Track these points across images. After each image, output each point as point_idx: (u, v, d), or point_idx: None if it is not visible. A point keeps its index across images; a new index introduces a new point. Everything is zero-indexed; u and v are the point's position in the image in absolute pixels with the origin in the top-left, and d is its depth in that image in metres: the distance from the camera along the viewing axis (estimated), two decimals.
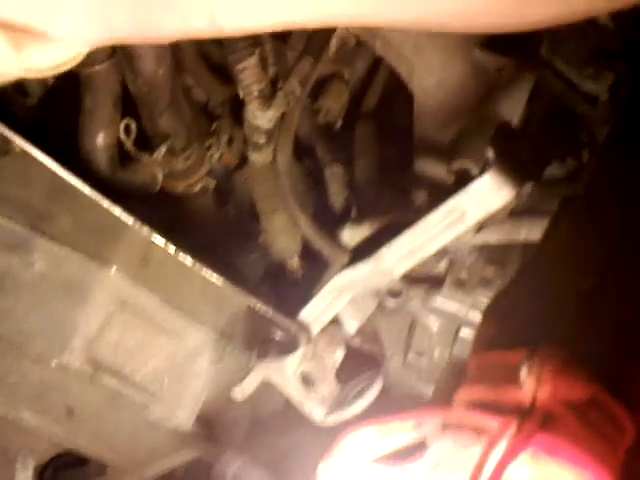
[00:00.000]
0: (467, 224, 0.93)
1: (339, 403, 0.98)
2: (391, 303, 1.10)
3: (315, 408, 0.97)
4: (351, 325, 1.01)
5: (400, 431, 0.66)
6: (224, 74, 1.06)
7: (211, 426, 1.10)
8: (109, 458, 1.09)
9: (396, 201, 1.02)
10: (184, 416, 1.04)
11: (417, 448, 0.64)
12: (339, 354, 1.03)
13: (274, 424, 1.08)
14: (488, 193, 0.90)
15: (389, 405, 1.16)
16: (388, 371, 1.17)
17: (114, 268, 0.99)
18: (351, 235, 1.00)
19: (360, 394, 0.99)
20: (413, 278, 1.09)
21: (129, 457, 1.09)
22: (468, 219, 0.92)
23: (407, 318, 1.14)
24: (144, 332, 1.02)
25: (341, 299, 0.99)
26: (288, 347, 1.00)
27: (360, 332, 1.17)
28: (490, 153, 0.89)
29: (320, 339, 1.01)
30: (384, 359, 1.17)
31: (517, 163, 0.90)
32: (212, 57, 1.06)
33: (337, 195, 1.07)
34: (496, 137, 0.91)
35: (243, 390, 1.04)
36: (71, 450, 1.08)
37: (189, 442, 1.10)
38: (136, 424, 1.04)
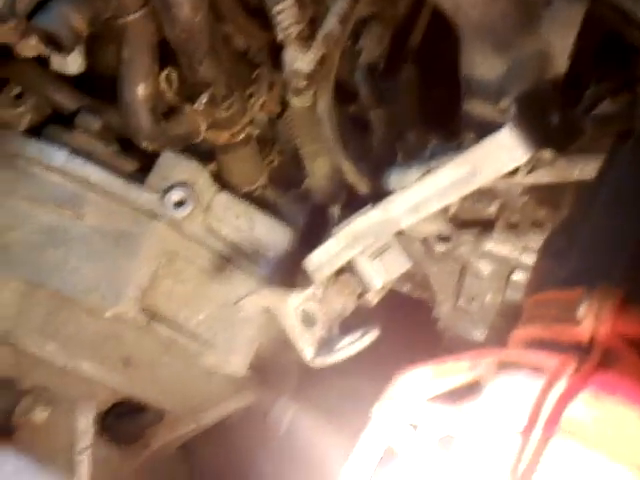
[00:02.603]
0: (478, 182, 0.90)
1: (329, 348, 0.98)
2: (441, 248, 1.08)
3: (307, 348, 0.97)
4: (375, 282, 0.99)
5: (455, 372, 0.65)
6: (262, 19, 1.04)
7: (265, 372, 1.11)
8: (166, 405, 1.12)
9: (444, 143, 0.99)
10: (238, 362, 1.05)
11: (473, 389, 0.64)
12: (350, 305, 1.02)
13: (328, 369, 1.08)
14: (501, 152, 0.86)
15: (441, 351, 1.16)
16: (439, 317, 1.16)
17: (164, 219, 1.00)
18: (398, 180, 0.97)
19: (350, 343, 0.98)
20: (463, 222, 1.07)
21: (185, 404, 1.12)
22: (479, 177, 0.89)
23: (457, 263, 1.12)
24: (195, 281, 1.04)
25: (354, 247, 0.98)
26: None
27: (409, 278, 1.16)
28: (513, 108, 0.85)
29: (334, 284, 1.00)
30: (435, 304, 1.16)
31: (541, 126, 0.85)
32: (249, 2, 1.04)
33: (382, 139, 1.04)
34: (526, 93, 0.86)
35: (240, 308, 1.02)
36: (129, 398, 1.11)
37: (243, 388, 1.12)
38: (191, 371, 1.07)
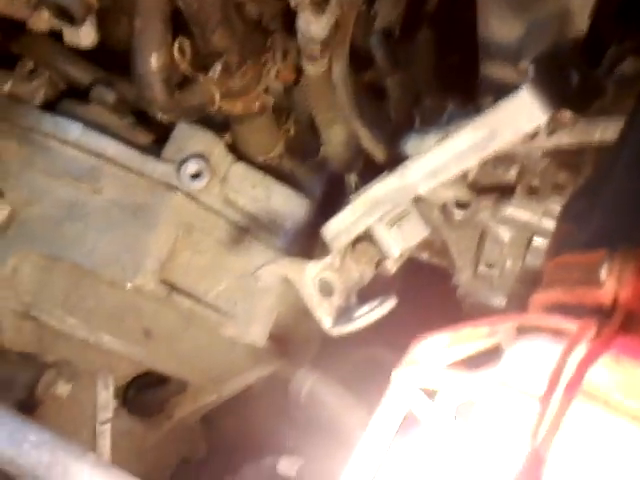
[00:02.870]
0: (496, 145, 0.88)
1: (347, 316, 0.97)
2: (459, 214, 1.07)
3: (325, 317, 0.96)
4: (394, 250, 0.98)
5: (474, 338, 0.64)
6: None
7: (284, 342, 1.12)
8: (187, 376, 1.13)
9: (462, 108, 0.97)
10: (257, 332, 1.06)
11: (492, 354, 0.63)
12: (368, 273, 1.01)
13: (346, 338, 1.08)
14: (520, 113, 0.83)
15: (462, 317, 1.15)
16: (459, 284, 1.15)
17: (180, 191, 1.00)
18: (415, 146, 0.96)
19: (368, 312, 0.98)
20: (482, 187, 1.05)
21: (206, 375, 1.13)
22: (497, 140, 0.87)
23: (477, 229, 1.11)
24: (213, 252, 1.04)
25: (372, 214, 0.96)
26: None
27: (427, 245, 1.15)
28: (531, 69, 0.83)
29: (351, 253, 0.99)
30: (454, 271, 1.15)
31: (560, 86, 0.83)
32: None
33: (398, 105, 1.03)
34: (545, 53, 0.84)
35: (258, 279, 1.02)
36: (151, 370, 1.12)
37: (264, 358, 1.12)
38: (211, 342, 1.07)
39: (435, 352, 0.67)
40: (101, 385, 0.92)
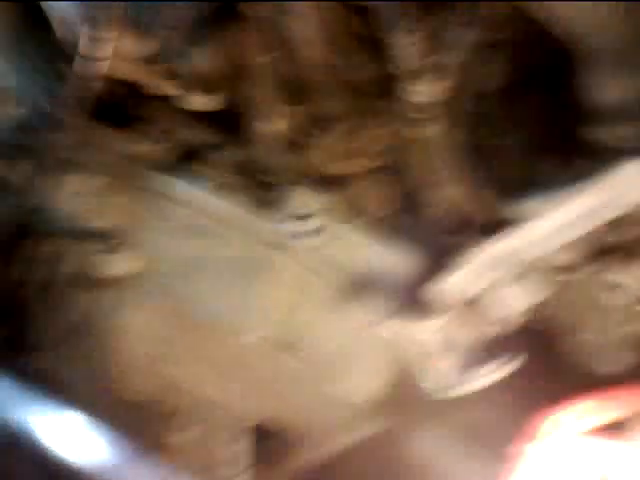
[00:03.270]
0: (613, 212, 0.85)
1: (463, 377, 0.95)
2: (572, 277, 1.04)
3: (439, 376, 0.95)
4: (508, 311, 0.97)
5: (608, 408, 0.63)
6: (381, 52, 1.05)
7: (394, 400, 1.11)
8: (301, 429, 1.14)
9: (573, 171, 0.95)
10: (368, 390, 1.06)
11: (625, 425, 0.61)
12: (482, 334, 0.99)
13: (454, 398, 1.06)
14: (636, 182, 0.81)
15: (570, 383, 1.11)
16: (566, 348, 1.11)
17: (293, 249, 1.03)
18: (527, 209, 0.95)
19: (486, 373, 0.95)
20: (596, 251, 1.03)
21: (319, 428, 1.14)
22: (614, 207, 0.85)
23: (589, 293, 1.08)
24: (325, 309, 1.06)
25: (486, 275, 0.95)
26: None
27: (539, 307, 1.12)
28: None
29: (464, 314, 0.98)
30: (560, 336, 1.12)
31: None
32: (368, 36, 1.05)
33: (509, 167, 1.02)
34: None
35: (370, 335, 1.01)
36: (266, 421, 1.14)
37: (374, 415, 1.12)
38: (324, 397, 1.09)
39: (570, 421, 0.66)
40: (230, 438, 0.94)
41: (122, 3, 0.89)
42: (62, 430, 0.79)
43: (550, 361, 1.13)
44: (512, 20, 1.00)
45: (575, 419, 0.68)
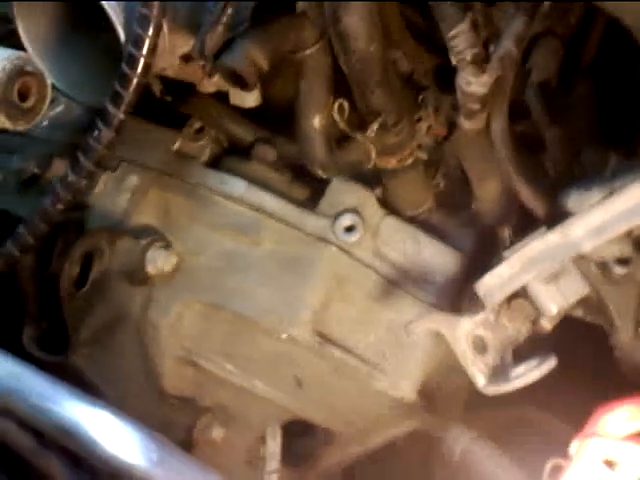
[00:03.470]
0: None
1: (503, 376, 0.93)
2: (621, 271, 1.02)
3: (479, 375, 0.93)
4: (549, 307, 0.95)
5: None
6: (429, 42, 1.04)
7: (432, 398, 1.10)
8: (335, 427, 1.14)
9: (626, 161, 0.94)
10: (406, 387, 1.05)
11: None
12: (523, 331, 0.97)
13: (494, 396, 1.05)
14: None
15: (619, 379, 1.09)
16: (617, 344, 1.09)
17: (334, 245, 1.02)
18: (577, 201, 0.93)
19: (527, 372, 0.93)
20: None
21: (354, 426, 1.13)
22: None
23: (637, 287, 1.06)
24: (364, 304, 1.05)
25: (529, 271, 0.93)
26: None
27: (584, 302, 1.11)
28: None
29: (506, 310, 0.96)
30: (611, 331, 1.10)
31: None
32: (417, 26, 1.05)
33: (557, 159, 1.01)
34: None
35: (409, 333, 1.00)
36: (300, 419, 1.14)
37: (411, 413, 1.11)
38: (360, 394, 1.07)
39: (615, 424, 0.64)
40: (270, 435, 0.94)
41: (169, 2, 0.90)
42: (95, 426, 0.79)
43: (597, 360, 1.11)
44: (569, 8, 0.99)
45: (622, 420, 0.66)
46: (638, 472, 0.64)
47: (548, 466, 0.76)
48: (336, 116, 0.96)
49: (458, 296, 1.05)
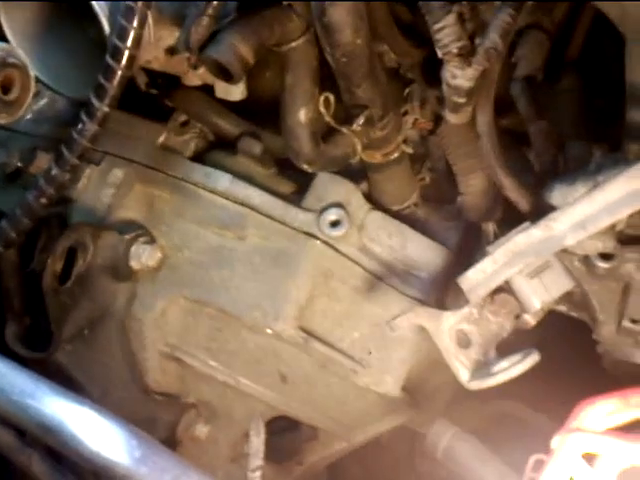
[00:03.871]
0: None
1: (486, 370, 0.94)
2: (604, 265, 1.02)
3: (462, 370, 0.93)
4: (533, 302, 0.95)
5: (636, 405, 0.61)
6: (415, 36, 1.04)
7: (416, 393, 1.10)
8: (320, 423, 1.14)
9: (609, 155, 0.94)
10: (391, 382, 1.05)
11: None
12: (506, 326, 0.98)
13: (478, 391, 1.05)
14: None
15: (602, 373, 1.10)
16: (600, 338, 1.10)
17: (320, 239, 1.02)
18: (561, 195, 0.93)
19: (509, 367, 0.93)
20: (628, 238, 1.01)
21: (339, 422, 1.13)
22: None
23: (621, 282, 1.06)
24: (349, 299, 1.05)
25: (513, 266, 0.93)
26: None
27: (567, 297, 1.11)
28: None
29: (490, 304, 0.97)
30: (594, 326, 1.10)
31: None
32: (402, 20, 1.04)
33: (542, 152, 1.01)
34: None
35: (394, 328, 1.00)
36: (284, 415, 1.13)
37: (395, 408, 1.11)
38: (345, 390, 1.07)
39: (597, 418, 0.65)
40: (253, 431, 0.93)
41: None
42: (78, 423, 0.78)
43: (580, 353, 1.12)
44: (556, 4, 0.99)
45: (602, 415, 0.66)
46: (618, 466, 0.65)
47: (531, 461, 0.76)
48: (322, 110, 0.95)
49: (444, 291, 1.05)
